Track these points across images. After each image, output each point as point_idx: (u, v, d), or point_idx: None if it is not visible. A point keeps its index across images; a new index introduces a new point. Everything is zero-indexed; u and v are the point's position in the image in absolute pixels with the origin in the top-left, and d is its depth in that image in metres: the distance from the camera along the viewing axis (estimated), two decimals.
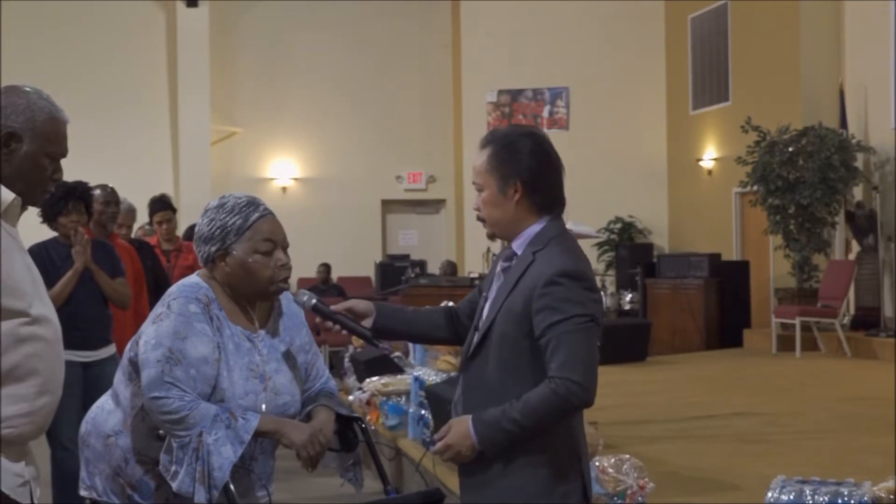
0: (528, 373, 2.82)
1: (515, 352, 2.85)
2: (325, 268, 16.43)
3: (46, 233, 5.95)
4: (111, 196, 6.58)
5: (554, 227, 2.93)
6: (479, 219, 3.00)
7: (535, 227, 2.92)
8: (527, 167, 2.89)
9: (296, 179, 18.83)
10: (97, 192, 6.32)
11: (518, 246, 2.94)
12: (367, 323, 3.12)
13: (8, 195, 2.58)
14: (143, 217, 8.79)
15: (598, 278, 16.25)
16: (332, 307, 3.12)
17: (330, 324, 3.11)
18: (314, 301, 3.16)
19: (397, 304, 3.48)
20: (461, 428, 2.85)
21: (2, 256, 2.51)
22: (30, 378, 2.55)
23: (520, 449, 2.83)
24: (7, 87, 2.67)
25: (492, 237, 3.06)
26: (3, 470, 2.51)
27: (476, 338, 2.95)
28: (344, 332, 3.13)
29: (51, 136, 2.66)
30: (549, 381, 2.76)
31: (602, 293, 16.06)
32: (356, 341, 9.68)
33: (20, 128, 2.61)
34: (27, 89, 2.68)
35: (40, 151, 2.65)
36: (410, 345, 8.21)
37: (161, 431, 3.10)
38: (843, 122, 13.42)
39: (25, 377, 2.54)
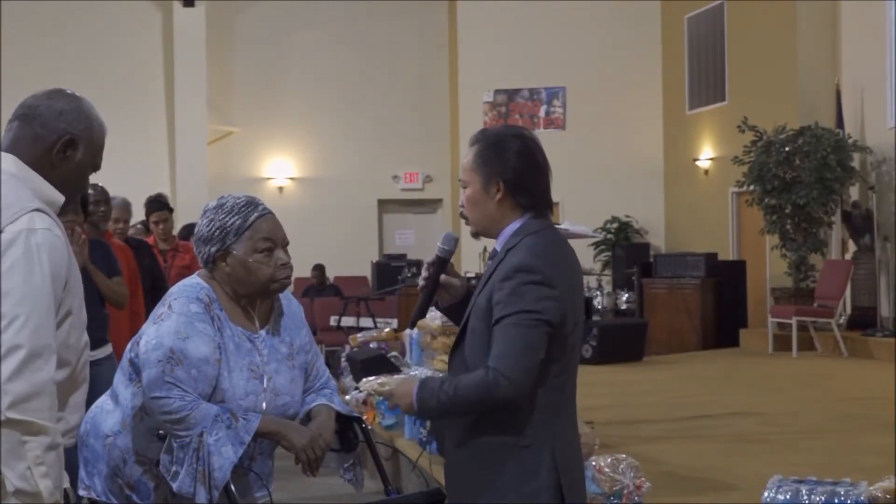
0: None
1: (483, 346, 2.88)
2: (319, 270, 16.42)
3: None
4: (101, 195, 6.55)
5: (533, 224, 2.94)
6: (462, 216, 3.04)
7: (514, 225, 2.95)
8: (511, 167, 2.92)
9: (292, 179, 18.84)
10: (88, 191, 6.30)
11: (499, 244, 2.98)
12: (448, 300, 3.12)
13: (59, 197, 2.54)
14: (138, 216, 8.78)
15: (594, 278, 16.39)
16: (443, 277, 3.08)
17: (423, 280, 3.08)
18: (448, 255, 3.08)
19: None
20: (407, 386, 2.92)
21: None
22: (83, 386, 2.58)
23: (492, 438, 2.87)
24: (56, 89, 2.61)
25: (475, 235, 3.09)
26: (64, 475, 2.53)
27: (458, 334, 3.01)
28: (420, 288, 3.08)
29: (100, 148, 2.63)
30: (484, 369, 2.81)
31: (588, 287, 15.85)
32: (353, 341, 9.67)
33: (79, 135, 2.56)
34: (76, 94, 2.62)
35: (89, 162, 2.61)
36: (407, 344, 8.21)
37: (161, 432, 3.10)
38: (840, 122, 13.42)
39: (81, 385, 2.56)
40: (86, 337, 2.58)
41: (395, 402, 2.96)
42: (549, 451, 2.90)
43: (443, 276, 3.10)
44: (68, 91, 2.61)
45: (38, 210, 2.41)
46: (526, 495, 2.87)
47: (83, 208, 5.96)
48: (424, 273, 3.09)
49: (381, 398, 3.06)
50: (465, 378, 2.83)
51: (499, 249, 2.97)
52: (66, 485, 2.55)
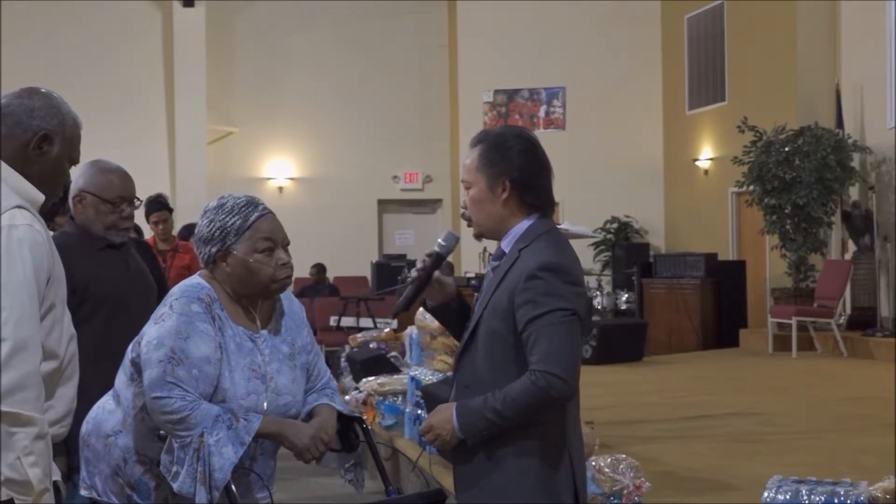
0: (514, 368, 2.85)
1: (503, 347, 2.87)
2: (318, 268, 16.41)
3: None
4: None
5: (542, 225, 2.94)
6: (464, 217, 3.02)
7: (523, 225, 2.94)
8: (517, 166, 2.91)
9: (292, 179, 18.84)
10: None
11: (506, 244, 2.96)
12: (438, 299, 3.10)
13: (39, 196, 2.57)
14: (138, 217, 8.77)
15: (594, 278, 16.41)
16: (437, 274, 3.07)
17: (417, 271, 3.05)
18: (447, 252, 3.07)
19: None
20: (445, 413, 2.90)
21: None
22: (73, 378, 2.62)
23: (508, 443, 2.85)
24: (29, 88, 2.65)
25: (478, 237, 3.05)
26: (54, 467, 2.56)
27: (466, 336, 2.98)
28: (412, 280, 3.08)
29: (75, 142, 2.67)
30: (529, 374, 2.78)
31: (588, 288, 15.93)
32: (352, 341, 9.68)
33: (53, 130, 2.60)
34: (48, 91, 2.67)
35: (66, 156, 2.65)
36: (407, 344, 8.21)
37: (162, 432, 3.10)
38: (840, 122, 13.44)
39: (70, 377, 2.61)
40: (72, 330, 2.62)
41: (436, 434, 2.91)
42: (565, 448, 2.91)
43: (437, 273, 3.08)
44: (39, 89, 2.66)
45: (19, 207, 2.45)
46: (547, 494, 2.87)
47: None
48: (419, 264, 3.07)
49: (422, 432, 3.01)
50: (511, 388, 2.79)
51: (506, 249, 2.94)
52: (57, 477, 2.57)
